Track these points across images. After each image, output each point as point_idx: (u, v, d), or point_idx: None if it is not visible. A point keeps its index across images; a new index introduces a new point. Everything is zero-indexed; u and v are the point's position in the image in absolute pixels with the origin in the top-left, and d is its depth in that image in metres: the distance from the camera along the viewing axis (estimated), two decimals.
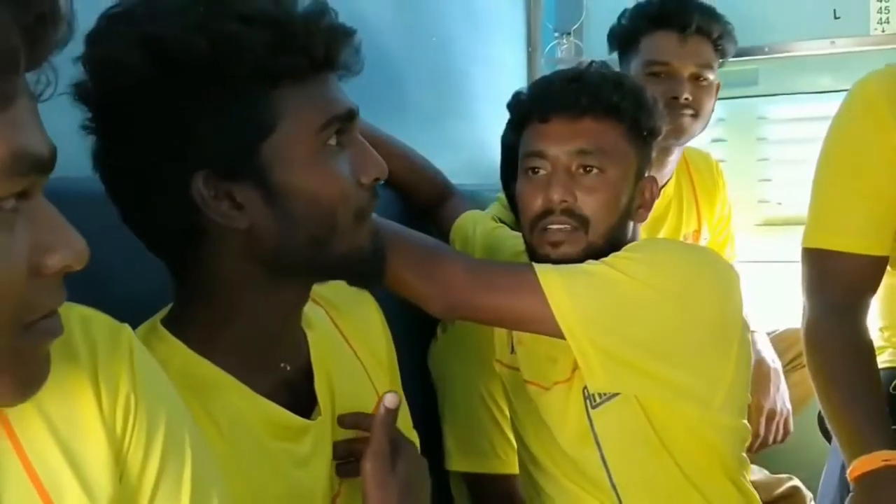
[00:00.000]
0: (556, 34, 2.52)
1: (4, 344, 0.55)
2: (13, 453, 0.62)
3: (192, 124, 0.80)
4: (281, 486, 0.89)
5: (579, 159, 1.21)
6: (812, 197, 1.40)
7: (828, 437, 1.55)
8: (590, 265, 1.18)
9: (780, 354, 2.05)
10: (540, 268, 1.17)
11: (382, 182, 1.51)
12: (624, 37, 1.91)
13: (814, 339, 1.35)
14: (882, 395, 1.31)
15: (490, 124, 2.13)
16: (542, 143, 1.22)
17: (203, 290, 0.89)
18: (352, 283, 0.97)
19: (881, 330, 1.40)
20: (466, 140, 2.04)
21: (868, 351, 1.35)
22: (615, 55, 1.99)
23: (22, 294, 0.54)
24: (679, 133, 1.82)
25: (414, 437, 1.16)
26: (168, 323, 0.90)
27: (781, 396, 1.93)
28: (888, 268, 1.38)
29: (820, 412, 1.58)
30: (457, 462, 1.53)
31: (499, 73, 2.27)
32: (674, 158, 1.92)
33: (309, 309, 0.98)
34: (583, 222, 1.20)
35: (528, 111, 1.26)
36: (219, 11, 0.79)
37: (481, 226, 1.49)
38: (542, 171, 1.23)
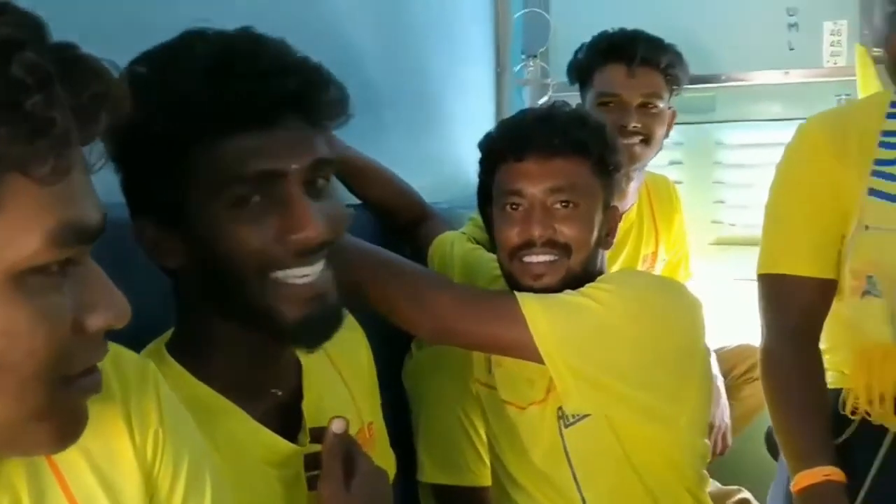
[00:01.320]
0: (524, 56, 2.59)
1: (45, 397, 0.58)
2: (57, 486, 0.66)
3: (130, 173, 0.88)
4: None
5: (554, 196, 1.28)
6: (765, 226, 1.49)
7: (773, 454, 1.64)
8: (568, 295, 1.25)
9: (732, 368, 2.14)
10: (522, 297, 1.25)
11: (362, 204, 1.59)
12: (580, 70, 2.02)
13: (769, 361, 1.44)
14: (828, 415, 1.40)
15: (462, 143, 2.19)
16: (518, 181, 1.29)
17: (189, 320, 0.95)
18: (283, 342, 0.95)
19: (824, 352, 1.49)
20: (440, 158, 2.10)
21: (818, 373, 1.44)
22: None
23: (64, 350, 0.57)
24: (631, 160, 1.91)
25: (390, 455, 1.22)
26: (170, 348, 0.94)
27: (721, 411, 2.01)
28: None
29: (767, 430, 1.68)
30: (430, 474, 1.58)
31: (469, 93, 2.32)
32: (635, 185, 2.01)
33: None
34: (565, 250, 1.28)
35: (502, 150, 1.32)
36: (149, 80, 0.83)
37: (459, 247, 1.55)
38: (519, 208, 1.30)
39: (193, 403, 0.86)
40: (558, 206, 1.28)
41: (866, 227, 1.37)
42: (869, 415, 1.40)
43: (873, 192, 1.37)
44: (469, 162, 1.97)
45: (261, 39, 0.88)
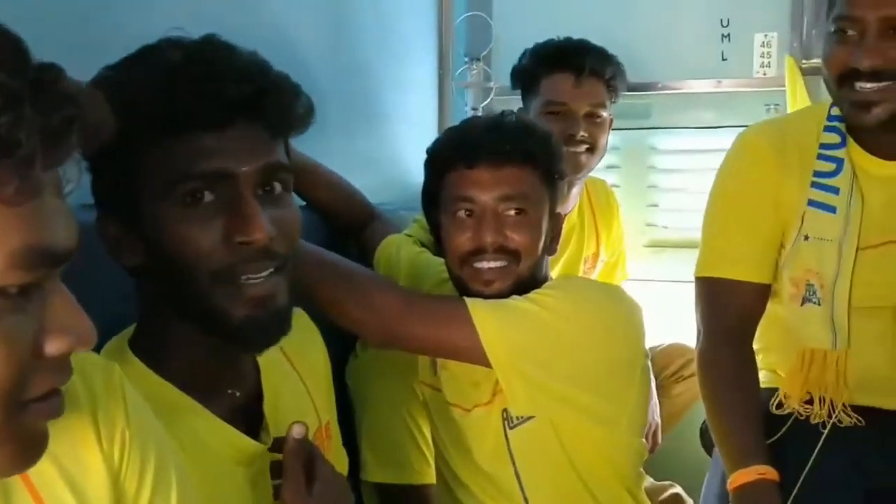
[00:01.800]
0: (467, 59, 2.61)
1: (3, 420, 0.56)
2: (27, 492, 0.67)
3: (93, 172, 0.89)
4: (240, 502, 0.96)
5: (505, 203, 1.31)
6: (704, 230, 1.54)
7: (708, 450, 1.70)
8: (515, 301, 1.29)
9: (664, 368, 2.20)
10: (471, 302, 1.28)
11: (307, 206, 1.59)
12: (524, 76, 2.04)
13: (705, 363, 1.49)
14: (761, 415, 1.46)
15: (404, 144, 2.21)
16: (469, 189, 1.32)
17: (149, 318, 0.96)
18: (231, 344, 0.95)
19: (757, 352, 1.54)
20: (382, 160, 2.11)
21: (752, 375, 1.50)
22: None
23: (22, 374, 0.55)
24: (577, 168, 1.97)
25: (343, 455, 1.24)
26: (132, 345, 0.96)
27: (652, 408, 2.05)
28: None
29: (702, 426, 1.73)
30: (373, 473, 1.59)
31: (412, 95, 2.34)
32: (577, 190, 2.06)
33: None
34: (515, 257, 1.31)
35: (451, 158, 1.35)
36: (108, 84, 0.85)
37: (405, 250, 1.57)
38: (470, 214, 1.32)
39: (156, 401, 0.86)
40: (509, 213, 1.32)
41: (805, 237, 1.42)
42: (801, 415, 1.46)
43: (812, 202, 1.42)
44: (411, 163, 1.98)
45: (228, 47, 0.90)
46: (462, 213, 1.33)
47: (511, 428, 1.34)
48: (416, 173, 1.51)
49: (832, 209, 1.41)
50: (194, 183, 0.86)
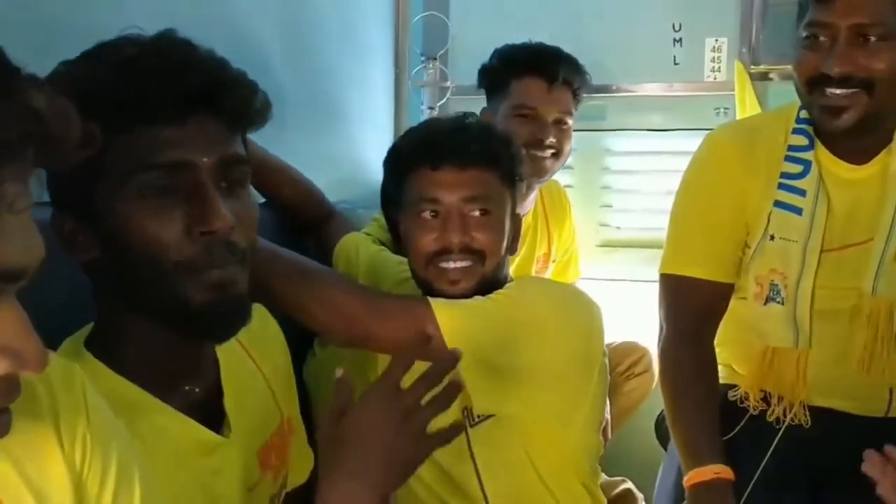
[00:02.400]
0: (423, 58, 2.63)
1: None
2: None
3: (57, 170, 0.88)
4: (202, 497, 0.96)
5: (469, 204, 1.33)
6: (669, 229, 1.56)
7: (663, 442, 1.73)
8: (478, 301, 1.30)
9: (617, 365, 2.23)
10: (434, 301, 1.29)
11: (266, 203, 1.59)
12: (494, 77, 2.05)
13: (666, 360, 1.53)
14: (718, 413, 1.48)
15: (362, 143, 2.21)
16: (434, 190, 1.33)
17: (106, 315, 0.96)
18: (188, 336, 0.95)
19: (715, 345, 1.57)
20: (339, 158, 2.10)
21: (712, 373, 1.53)
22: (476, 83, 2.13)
23: None
24: (541, 172, 2.00)
25: (308, 452, 1.24)
26: (89, 342, 0.95)
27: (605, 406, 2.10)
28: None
29: (658, 418, 1.77)
30: None
31: (369, 93, 2.34)
32: (535, 193, 2.09)
33: None
34: (480, 257, 1.33)
35: (415, 159, 1.35)
36: (73, 70, 0.86)
37: (364, 249, 1.58)
38: (435, 215, 1.33)
39: (115, 399, 0.86)
40: (474, 213, 1.33)
41: (771, 237, 1.45)
42: (755, 411, 1.49)
43: (779, 203, 1.44)
44: (368, 162, 1.99)
45: (185, 41, 0.90)
46: (427, 214, 1.34)
47: (472, 426, 1.35)
48: (373, 171, 1.51)
49: (798, 210, 1.43)
50: (154, 173, 0.86)
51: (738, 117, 2.41)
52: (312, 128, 2.00)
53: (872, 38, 1.31)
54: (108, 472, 0.75)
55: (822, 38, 1.35)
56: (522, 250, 2.12)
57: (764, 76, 2.52)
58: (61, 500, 0.71)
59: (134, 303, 0.92)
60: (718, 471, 1.39)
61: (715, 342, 1.56)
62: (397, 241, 1.44)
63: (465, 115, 1.43)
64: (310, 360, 1.63)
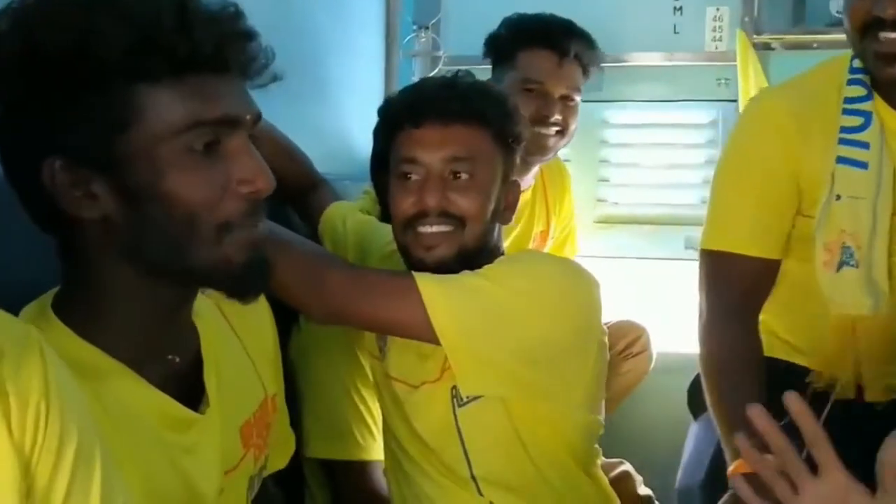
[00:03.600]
0: (415, 27, 2.56)
1: None
2: None
3: (48, 110, 0.80)
4: (171, 474, 0.89)
5: (452, 165, 1.25)
6: (711, 201, 1.48)
7: (694, 413, 1.65)
8: (466, 276, 1.23)
9: (613, 344, 2.16)
10: (420, 278, 1.21)
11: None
12: (502, 47, 1.96)
13: (710, 339, 1.43)
14: (764, 394, 1.36)
15: (350, 113, 2.15)
16: (415, 149, 1.26)
17: (82, 278, 0.89)
18: (223, 294, 0.92)
19: (764, 322, 1.48)
20: (328, 128, 2.05)
21: (757, 353, 1.43)
22: (473, 54, 2.06)
23: None
24: (545, 150, 1.93)
25: (290, 433, 1.20)
26: (55, 307, 0.88)
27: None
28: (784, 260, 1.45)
29: (690, 387, 1.68)
30: (316, 448, 1.54)
31: (358, 63, 2.28)
32: (535, 169, 2.02)
33: (199, 300, 0.97)
34: (460, 222, 1.25)
35: (400, 117, 1.28)
36: (90, 9, 0.79)
37: (351, 219, 1.51)
38: (415, 176, 1.26)
39: (79, 365, 0.81)
40: (454, 177, 1.25)
41: (837, 197, 1.35)
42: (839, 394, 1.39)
43: (842, 159, 1.35)
44: (357, 133, 1.93)
45: None
46: (407, 175, 1.26)
47: (461, 406, 1.29)
48: (361, 143, 1.46)
49: (863, 165, 1.34)
50: (206, 129, 0.82)
51: (740, 88, 2.36)
52: (298, 97, 1.94)
53: None
54: (63, 453, 0.67)
55: None
56: (519, 226, 2.05)
57: (766, 46, 2.47)
58: (6, 485, 0.63)
59: (146, 262, 0.86)
60: None
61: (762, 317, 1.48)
62: (386, 210, 1.36)
63: (458, 73, 1.34)
64: (295, 336, 1.57)
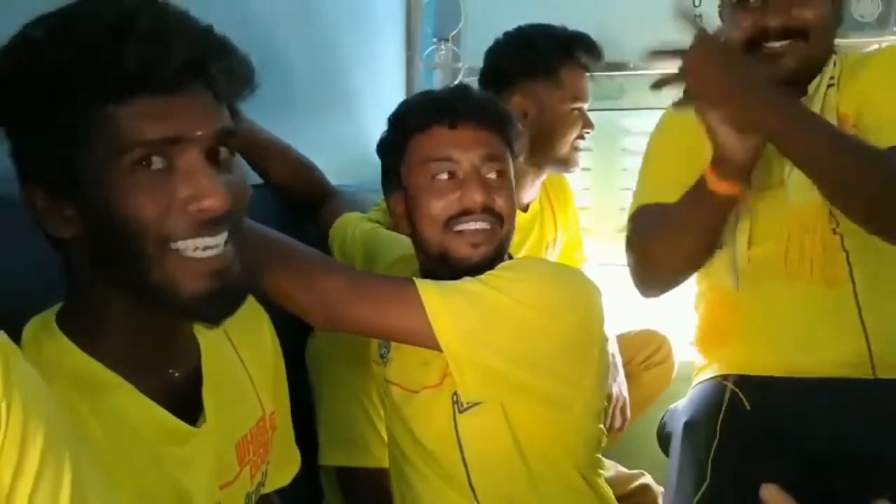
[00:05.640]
0: (435, 40, 2.58)
1: None
2: None
3: (22, 142, 0.84)
4: (167, 489, 0.90)
5: (488, 164, 1.27)
6: (638, 182, 1.58)
7: (664, 449, 1.67)
8: (467, 283, 1.23)
9: (635, 354, 2.17)
10: (421, 285, 1.21)
11: (264, 184, 1.55)
12: (537, 62, 1.93)
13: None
14: None
15: (370, 125, 2.16)
16: (451, 148, 1.27)
17: (80, 294, 0.91)
18: (183, 317, 0.92)
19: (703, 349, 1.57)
20: (347, 139, 2.06)
21: None
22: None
23: None
24: (573, 165, 1.98)
25: (294, 451, 1.20)
26: (60, 320, 0.90)
27: (619, 385, 2.03)
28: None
29: (660, 425, 1.70)
30: (329, 456, 1.56)
31: (379, 75, 2.30)
32: (540, 180, 2.02)
33: None
34: (499, 220, 1.27)
35: (428, 119, 1.28)
36: (42, 37, 0.81)
37: (358, 228, 1.53)
38: (450, 176, 1.27)
39: (78, 378, 0.83)
40: (491, 174, 1.28)
41: None
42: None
43: None
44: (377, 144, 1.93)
45: (163, 6, 0.85)
46: (443, 175, 1.27)
47: (461, 412, 1.29)
48: None
49: None
50: (144, 149, 0.82)
51: None
52: (321, 109, 1.97)
53: None
54: (26, 456, 0.67)
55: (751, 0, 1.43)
56: (532, 236, 2.06)
57: None
58: None
59: (118, 280, 0.87)
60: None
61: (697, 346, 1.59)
62: (397, 220, 1.37)
63: (464, 83, 1.37)
64: (310, 343, 1.59)
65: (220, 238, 0.86)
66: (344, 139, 2.07)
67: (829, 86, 1.46)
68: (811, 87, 1.46)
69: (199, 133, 0.84)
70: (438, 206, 1.26)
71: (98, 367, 0.88)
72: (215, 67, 0.84)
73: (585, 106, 1.95)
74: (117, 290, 0.88)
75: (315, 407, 1.58)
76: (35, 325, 0.90)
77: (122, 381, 0.88)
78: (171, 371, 0.94)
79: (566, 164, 1.96)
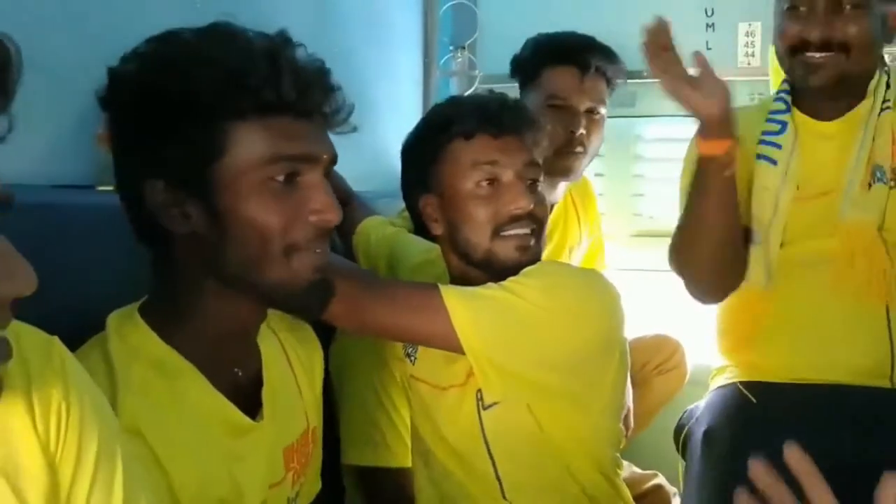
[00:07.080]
0: (452, 48, 2.60)
1: None
2: None
3: (156, 139, 0.92)
4: (224, 477, 0.97)
5: (532, 170, 1.32)
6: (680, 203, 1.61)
7: (680, 450, 1.69)
8: (489, 289, 1.27)
9: (648, 359, 2.19)
10: (445, 290, 1.25)
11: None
12: (527, 67, 2.02)
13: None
14: None
15: (390, 132, 2.19)
16: (497, 154, 1.31)
17: (169, 287, 0.99)
18: (286, 311, 1.04)
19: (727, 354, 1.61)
20: (366, 147, 2.10)
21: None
22: (507, 73, 2.10)
23: None
24: (569, 172, 1.99)
25: (318, 477, 1.24)
26: (142, 312, 0.98)
27: (626, 394, 2.06)
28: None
29: (676, 426, 1.73)
30: (350, 455, 1.59)
31: (396, 83, 2.33)
32: (565, 182, 2.06)
33: (264, 332, 1.08)
34: (540, 226, 1.33)
35: (475, 126, 1.31)
36: (194, 57, 0.91)
37: (382, 232, 1.56)
38: (491, 182, 1.31)
39: (155, 363, 0.93)
40: (531, 181, 1.33)
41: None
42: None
43: (759, 156, 1.56)
44: (394, 152, 1.96)
45: (289, 39, 0.96)
46: (487, 181, 1.31)
47: (486, 409, 1.32)
48: (399, 161, 1.49)
49: (774, 161, 1.56)
50: (285, 164, 0.93)
51: None
52: None
53: (847, 7, 1.48)
54: (85, 451, 0.72)
55: (801, 9, 1.51)
56: (555, 238, 2.09)
57: None
58: (34, 480, 0.68)
59: (225, 275, 0.96)
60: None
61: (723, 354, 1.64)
62: (420, 227, 1.40)
63: (492, 91, 1.42)
64: (333, 346, 1.61)
65: (327, 243, 1.00)
66: (363, 146, 2.08)
67: (885, 109, 1.52)
68: (863, 110, 1.53)
69: (325, 156, 0.97)
70: (487, 213, 1.31)
71: (174, 353, 0.96)
72: (330, 103, 0.97)
73: (572, 102, 1.97)
74: (215, 287, 0.97)
75: (337, 409, 1.61)
76: (118, 316, 0.98)
77: (197, 371, 0.97)
78: (235, 370, 1.03)
79: (556, 171, 1.96)
